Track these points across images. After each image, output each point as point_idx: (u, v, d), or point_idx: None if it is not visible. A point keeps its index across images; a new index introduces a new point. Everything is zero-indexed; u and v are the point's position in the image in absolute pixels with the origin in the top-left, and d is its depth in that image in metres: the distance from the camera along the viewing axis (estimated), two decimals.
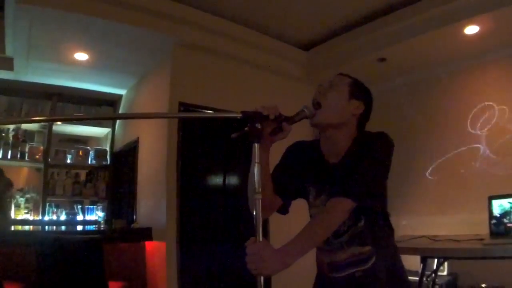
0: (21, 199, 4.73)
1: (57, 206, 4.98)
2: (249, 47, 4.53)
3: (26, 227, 4.50)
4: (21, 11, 3.35)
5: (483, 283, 3.87)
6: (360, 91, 1.58)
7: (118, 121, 5.54)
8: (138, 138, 4.68)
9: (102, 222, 5.03)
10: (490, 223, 3.14)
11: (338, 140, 1.54)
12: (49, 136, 5.01)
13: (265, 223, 4.26)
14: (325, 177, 1.55)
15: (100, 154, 5.44)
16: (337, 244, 1.49)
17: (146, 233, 4.01)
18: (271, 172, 1.55)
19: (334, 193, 1.38)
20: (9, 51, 4.18)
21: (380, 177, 1.45)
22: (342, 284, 1.51)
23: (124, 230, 4.19)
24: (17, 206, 4.68)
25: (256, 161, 1.23)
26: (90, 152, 5.41)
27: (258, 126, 1.24)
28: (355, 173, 1.39)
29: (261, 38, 4.62)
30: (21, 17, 3.45)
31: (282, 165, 1.65)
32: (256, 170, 1.24)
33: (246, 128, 1.26)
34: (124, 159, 5.13)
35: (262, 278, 1.20)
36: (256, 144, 1.25)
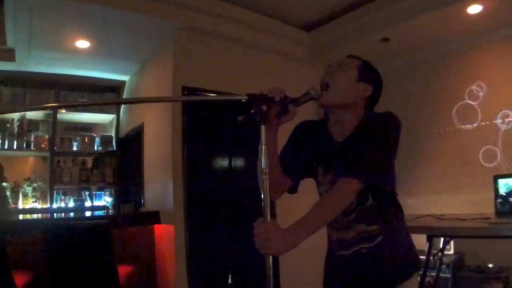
0: (29, 188, 4.77)
1: (65, 194, 5.03)
2: (251, 29, 4.50)
3: (35, 216, 4.55)
4: (21, 1, 3.34)
5: (490, 263, 3.89)
6: (369, 74, 1.58)
7: (122, 107, 5.56)
8: (142, 123, 4.70)
9: (110, 207, 5.07)
10: (496, 202, 3.15)
11: (345, 121, 1.55)
12: (54, 124, 5.03)
13: (272, 204, 4.29)
14: (332, 155, 1.56)
15: (105, 140, 5.46)
16: (345, 222, 1.50)
17: (154, 217, 4.05)
18: (279, 153, 1.57)
19: (341, 173, 1.38)
20: (10, 42, 4.16)
21: (388, 157, 1.45)
22: (349, 261, 1.53)
23: (132, 215, 4.23)
24: (25, 195, 4.72)
25: (263, 142, 1.24)
26: (96, 139, 5.43)
27: (264, 108, 1.25)
28: (362, 153, 1.39)
29: (263, 20, 4.57)
30: (21, 7, 3.43)
31: (290, 144, 1.68)
32: (263, 151, 1.24)
33: (252, 111, 1.26)
34: (130, 145, 5.16)
35: (270, 257, 1.22)
36: (262, 126, 1.25)
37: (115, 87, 5.64)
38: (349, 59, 1.61)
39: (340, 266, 1.58)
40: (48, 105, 4.08)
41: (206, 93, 4.14)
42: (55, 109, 4.95)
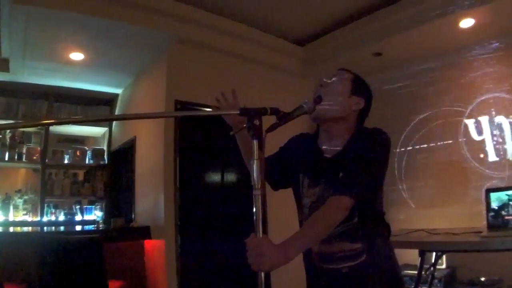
0: (19, 200, 4.72)
1: (56, 207, 4.97)
2: (245, 43, 4.54)
3: (25, 229, 4.50)
4: (16, 11, 3.34)
5: (482, 277, 3.89)
6: (361, 87, 1.60)
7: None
8: (135, 137, 4.68)
9: (100, 221, 5.02)
10: (487, 216, 3.15)
11: (337, 135, 1.56)
12: (46, 136, 5.01)
13: (264, 219, 4.27)
14: (320, 170, 1.56)
15: (97, 153, 5.43)
16: (327, 236, 1.45)
17: (145, 232, 4.01)
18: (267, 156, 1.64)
19: (333, 190, 1.39)
20: (5, 52, 4.17)
21: (379, 174, 1.46)
22: (329, 277, 1.51)
23: (123, 229, 4.19)
24: (16, 208, 4.67)
25: (255, 157, 1.23)
26: (88, 152, 5.41)
27: (256, 122, 1.25)
28: (354, 170, 1.40)
29: (258, 34, 4.62)
30: (17, 17, 3.44)
31: (278, 152, 1.75)
32: (255, 166, 1.23)
33: (244, 125, 1.26)
34: (122, 158, 5.13)
35: (262, 273, 1.20)
36: (255, 141, 1.24)
37: (108, 100, 5.63)
38: (341, 72, 1.62)
39: (322, 279, 1.56)
40: (39, 122, 4.12)
41: (199, 107, 4.14)
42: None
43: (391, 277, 1.52)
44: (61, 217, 4.96)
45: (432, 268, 3.50)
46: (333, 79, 1.58)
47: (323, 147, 1.60)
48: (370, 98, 1.63)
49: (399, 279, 1.56)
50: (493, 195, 3.16)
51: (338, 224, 1.39)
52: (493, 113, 4.24)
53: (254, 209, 1.21)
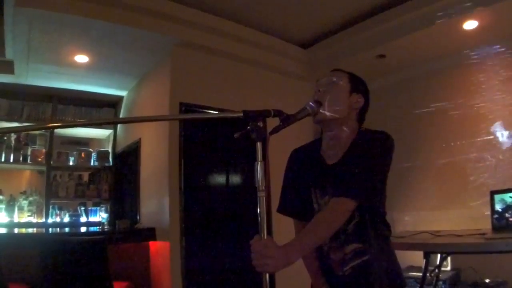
0: (24, 202, 4.74)
1: (61, 208, 5.00)
2: (248, 46, 4.54)
3: (30, 230, 4.52)
4: (20, 14, 3.35)
5: (487, 278, 3.88)
6: (359, 85, 1.62)
7: None
8: (140, 139, 4.70)
9: (105, 223, 5.03)
10: (492, 218, 3.15)
11: (340, 136, 1.57)
12: (51, 138, 5.04)
13: (269, 221, 4.27)
14: (326, 178, 1.56)
15: (102, 155, 5.45)
16: (341, 240, 1.50)
17: (150, 233, 4.03)
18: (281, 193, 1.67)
19: (336, 193, 1.40)
20: (9, 55, 4.19)
21: (381, 176, 1.47)
22: (347, 278, 1.52)
23: (127, 231, 4.20)
24: (20, 209, 4.69)
25: (259, 159, 1.24)
26: (92, 154, 5.43)
27: (260, 124, 1.25)
28: (356, 173, 1.41)
29: (261, 36, 4.62)
30: (21, 20, 3.45)
31: (286, 183, 1.71)
32: (259, 168, 1.24)
33: (248, 127, 1.26)
34: (127, 160, 5.15)
35: (267, 275, 1.21)
36: (258, 143, 1.25)
37: (113, 103, 5.66)
38: (337, 73, 1.64)
39: (342, 284, 1.57)
40: (45, 125, 4.13)
41: (203, 110, 4.15)
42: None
43: (394, 276, 1.54)
44: (66, 219, 4.98)
45: (436, 270, 3.49)
46: (331, 80, 1.60)
47: (326, 153, 1.61)
48: (368, 93, 1.65)
49: (401, 278, 1.58)
50: (497, 197, 3.16)
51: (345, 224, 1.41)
52: (497, 114, 4.22)
53: (259, 211, 1.21)
